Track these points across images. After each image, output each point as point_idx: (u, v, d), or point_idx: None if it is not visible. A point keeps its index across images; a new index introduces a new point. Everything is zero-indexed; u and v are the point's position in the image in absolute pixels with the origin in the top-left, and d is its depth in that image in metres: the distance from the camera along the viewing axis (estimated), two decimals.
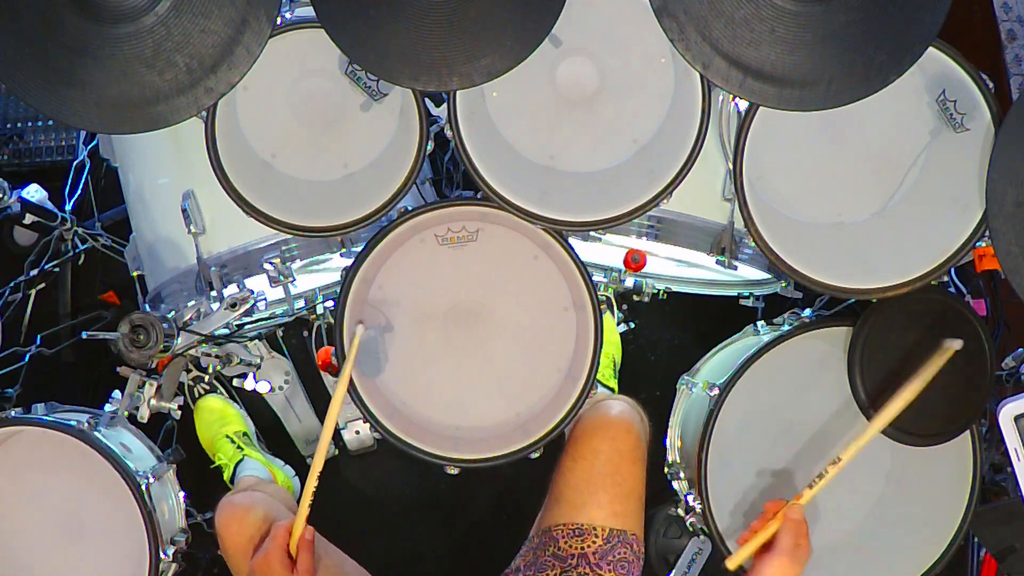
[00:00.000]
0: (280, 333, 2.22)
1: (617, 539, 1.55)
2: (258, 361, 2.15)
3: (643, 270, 1.82)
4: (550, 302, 1.68)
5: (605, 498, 1.59)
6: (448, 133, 1.61)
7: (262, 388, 2.17)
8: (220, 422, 2.18)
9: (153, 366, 1.87)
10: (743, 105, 1.57)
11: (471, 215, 1.67)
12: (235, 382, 2.18)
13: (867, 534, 1.75)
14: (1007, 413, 1.55)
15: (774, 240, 1.60)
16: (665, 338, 2.35)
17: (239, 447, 2.12)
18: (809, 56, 1.45)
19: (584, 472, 1.61)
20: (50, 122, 2.39)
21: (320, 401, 2.28)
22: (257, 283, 1.75)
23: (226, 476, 2.09)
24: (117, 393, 1.90)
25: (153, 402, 1.88)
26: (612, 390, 2.13)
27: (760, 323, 1.87)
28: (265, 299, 1.80)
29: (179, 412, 1.93)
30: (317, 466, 1.49)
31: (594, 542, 1.54)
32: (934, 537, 1.71)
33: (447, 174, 2.18)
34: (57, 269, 2.25)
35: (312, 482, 1.49)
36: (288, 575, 1.46)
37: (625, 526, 1.58)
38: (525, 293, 1.69)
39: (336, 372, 1.80)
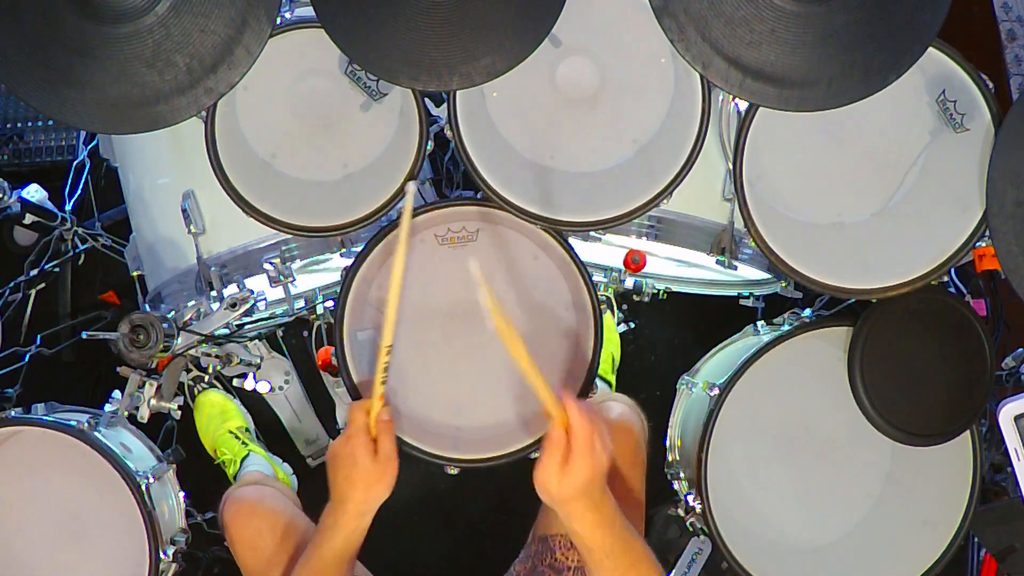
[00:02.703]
0: (280, 333, 2.22)
1: None
2: (258, 361, 2.15)
3: (643, 270, 1.82)
4: (550, 302, 1.68)
5: None
6: (448, 133, 1.61)
7: (262, 388, 2.17)
8: (221, 417, 2.17)
9: (153, 366, 1.87)
10: (743, 105, 1.57)
11: (471, 215, 1.66)
12: (235, 382, 2.18)
13: (867, 534, 1.75)
14: (1007, 413, 1.54)
15: (774, 240, 1.60)
16: (665, 338, 2.35)
17: (243, 443, 2.11)
18: (809, 56, 1.45)
19: None
20: (50, 122, 2.38)
21: (320, 401, 2.28)
22: (257, 283, 1.75)
23: (231, 472, 2.08)
24: (117, 393, 1.90)
25: (153, 402, 1.88)
26: (610, 384, 2.13)
27: (760, 323, 1.87)
28: (265, 299, 1.80)
29: (179, 412, 1.93)
30: (388, 333, 1.34)
31: None
32: (934, 537, 1.71)
33: (447, 174, 2.17)
34: (57, 269, 2.24)
35: (383, 355, 1.35)
36: (370, 460, 1.33)
37: None
38: (525, 293, 1.68)
39: (336, 372, 1.79)
